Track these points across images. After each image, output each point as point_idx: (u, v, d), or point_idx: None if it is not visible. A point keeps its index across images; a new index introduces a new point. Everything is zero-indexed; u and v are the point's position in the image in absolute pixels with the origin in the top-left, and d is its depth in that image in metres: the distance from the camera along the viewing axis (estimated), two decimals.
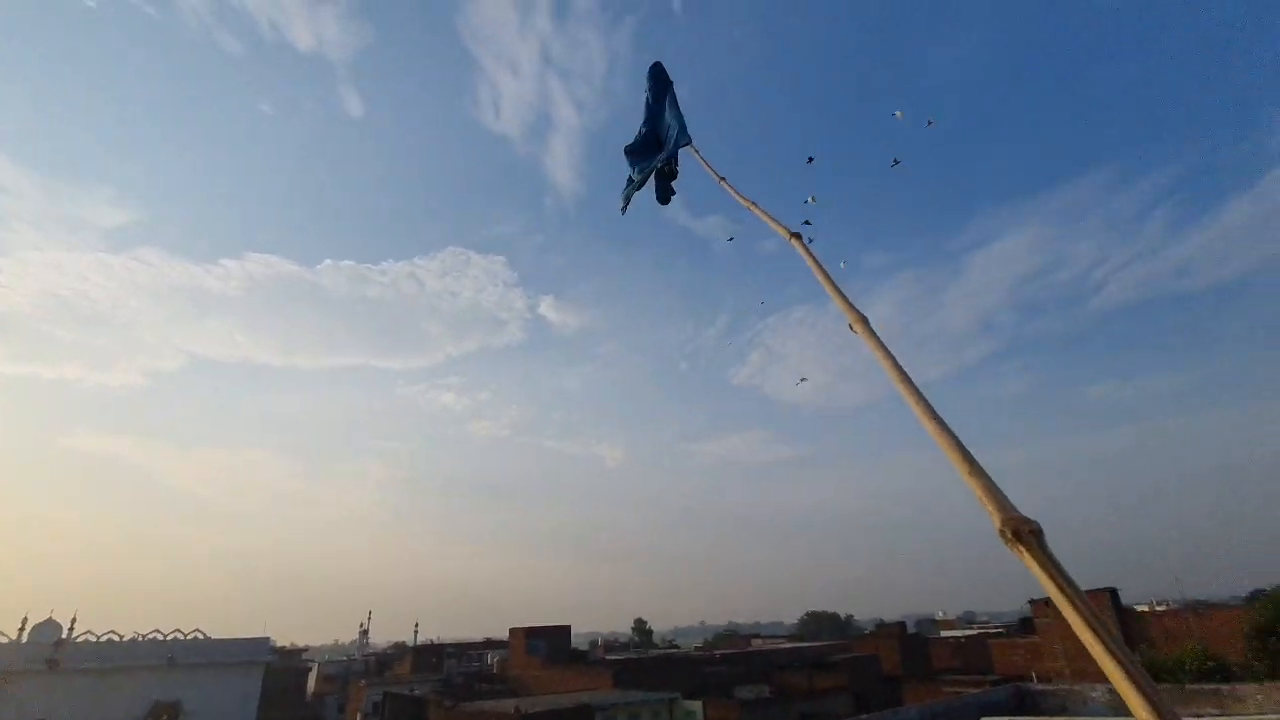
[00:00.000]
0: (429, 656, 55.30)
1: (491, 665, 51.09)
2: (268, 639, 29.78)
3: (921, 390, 1.71)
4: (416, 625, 79.99)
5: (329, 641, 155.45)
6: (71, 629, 26.43)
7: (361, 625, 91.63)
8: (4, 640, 25.16)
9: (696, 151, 5.10)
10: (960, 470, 1.40)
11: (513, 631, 45.81)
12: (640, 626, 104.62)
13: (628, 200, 5.92)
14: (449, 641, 75.23)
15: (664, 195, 5.90)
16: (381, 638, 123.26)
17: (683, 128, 5.45)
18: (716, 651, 59.67)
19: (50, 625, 26.39)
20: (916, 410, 1.63)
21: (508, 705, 27.96)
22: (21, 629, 26.05)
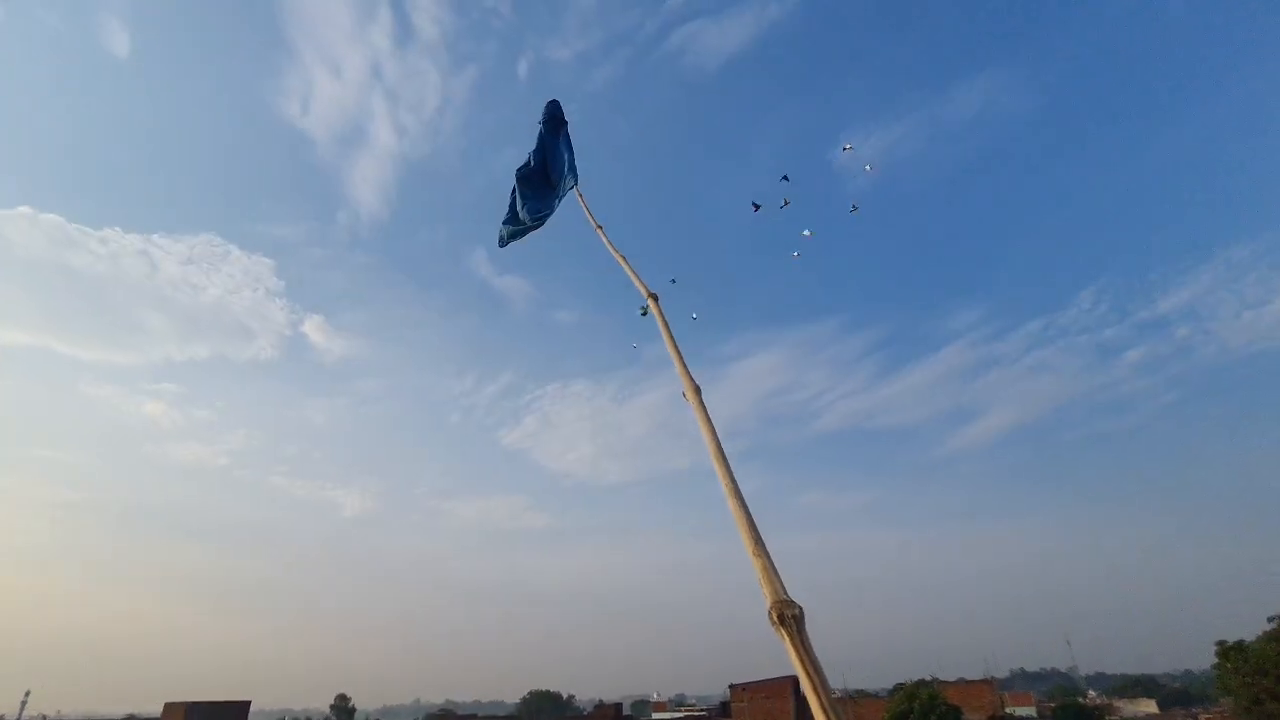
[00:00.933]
0: None
1: None
2: None
3: (731, 469, 1.85)
4: (28, 694, 63.90)
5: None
6: None
7: (22, 700, 69.99)
8: None
9: (580, 195, 5.22)
10: (747, 547, 1.55)
11: (169, 707, 36.44)
12: (342, 704, 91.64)
13: (511, 238, 5.98)
14: (75, 718, 59.48)
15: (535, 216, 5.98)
16: (37, 708, 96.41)
17: (572, 168, 5.56)
18: None
19: None
20: (724, 484, 1.78)
21: None
22: None
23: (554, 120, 6.05)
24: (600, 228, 4.78)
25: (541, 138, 6.04)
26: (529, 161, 6.07)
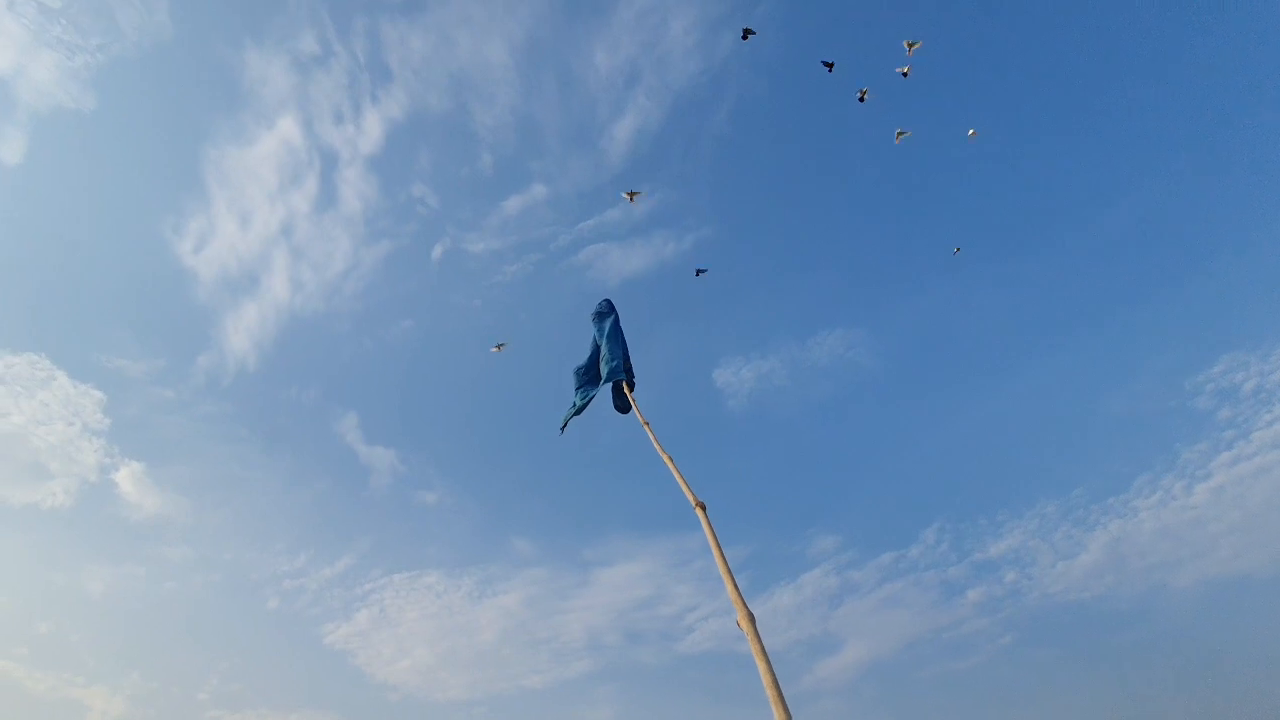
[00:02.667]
0: None
1: None
2: None
3: (788, 708, 2.17)
4: None
5: None
6: None
7: None
8: None
9: (629, 390, 5.59)
10: None
11: None
12: None
13: (565, 422, 6.27)
14: None
15: (621, 406, 6.32)
16: None
17: (619, 364, 5.94)
18: None
19: None
20: (775, 705, 2.07)
21: None
22: None
23: (602, 316, 6.49)
24: (648, 424, 4.96)
25: (600, 336, 6.42)
26: (587, 360, 6.48)
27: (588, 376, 6.37)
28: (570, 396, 6.47)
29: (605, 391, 6.13)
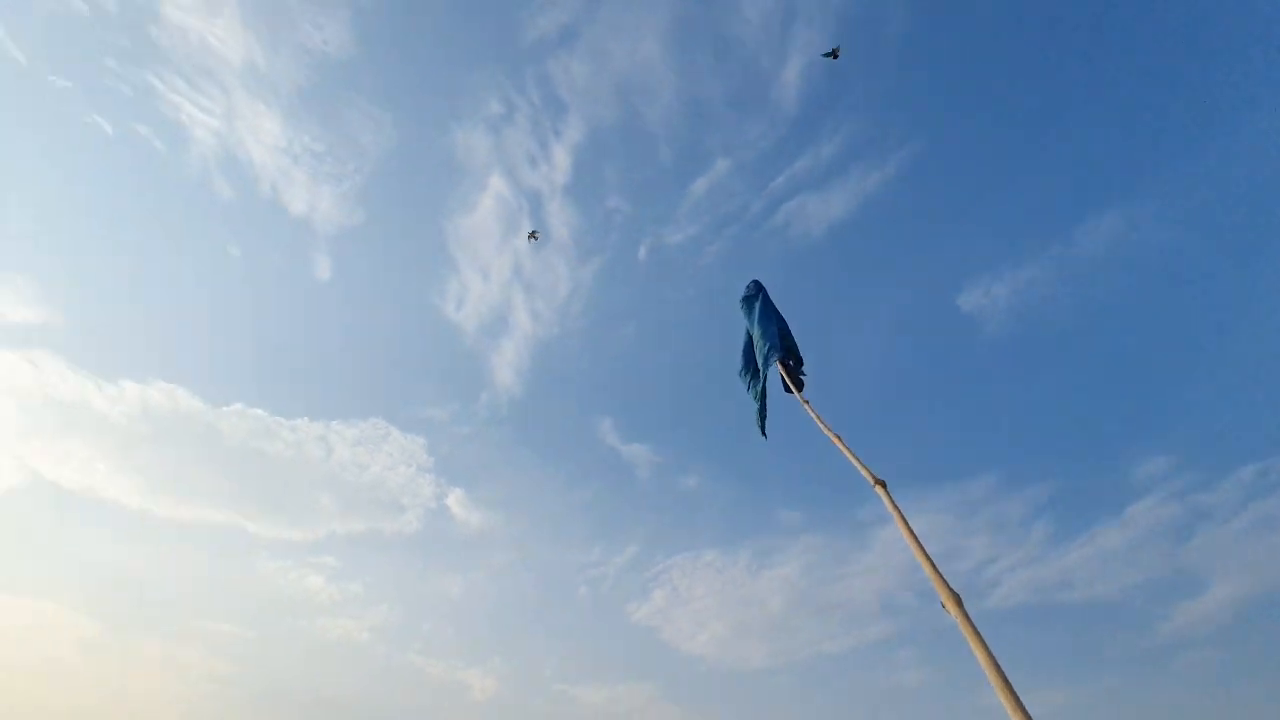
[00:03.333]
0: None
1: None
2: None
3: (1015, 689, 1.92)
4: None
5: None
6: None
7: None
8: None
9: (782, 369, 5.20)
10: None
11: None
12: None
13: (761, 425, 5.86)
14: None
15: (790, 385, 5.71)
16: None
17: (775, 342, 5.48)
18: None
19: None
20: (1007, 705, 1.83)
21: None
22: None
23: (750, 300, 6.03)
24: (807, 402, 4.62)
25: (746, 325, 6.04)
26: (743, 356, 6.13)
27: (751, 371, 6.01)
28: (750, 402, 6.04)
29: (774, 377, 5.66)
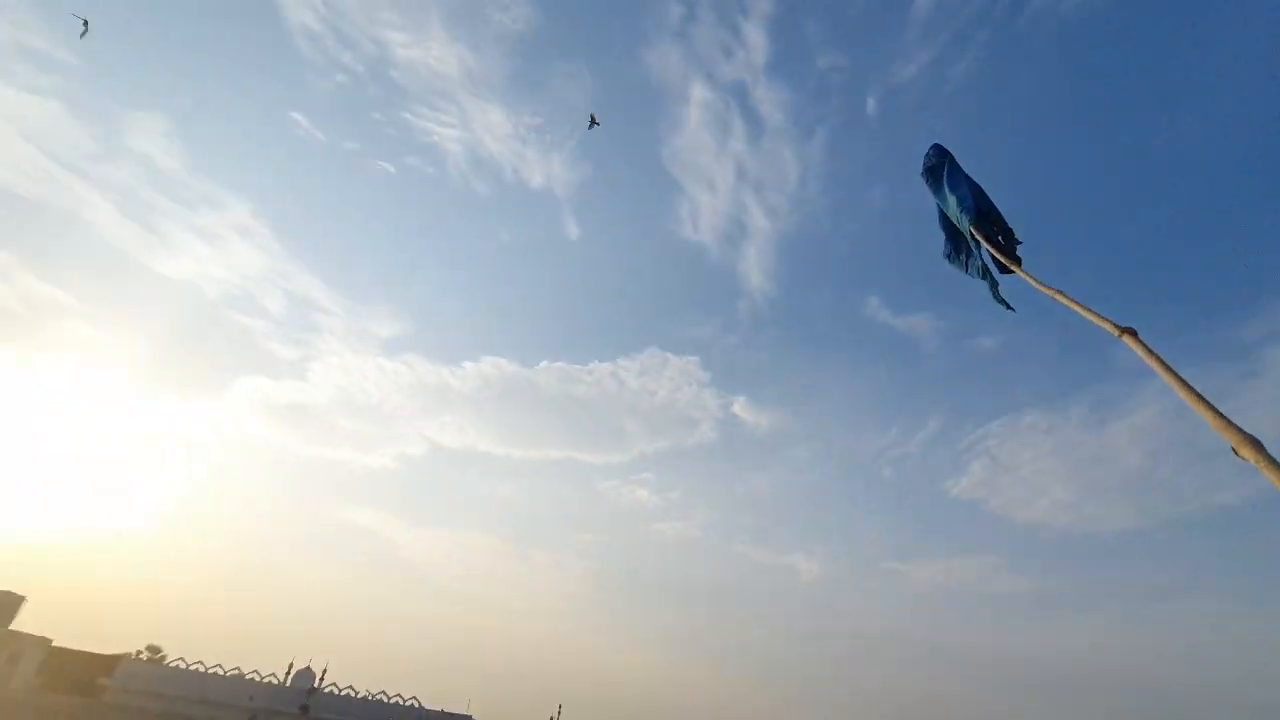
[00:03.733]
0: None
1: None
2: (470, 717, 31.94)
3: None
4: None
5: None
6: (321, 679, 30.46)
7: (552, 717, 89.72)
8: (271, 682, 29.47)
9: (982, 234, 4.73)
10: None
11: None
12: None
13: (996, 293, 5.05)
14: None
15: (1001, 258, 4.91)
16: None
17: (970, 206, 4.90)
18: None
19: (306, 673, 30.45)
20: None
21: None
22: (287, 672, 30.31)
23: (935, 170, 5.34)
24: (1018, 263, 4.39)
25: (937, 202, 5.42)
26: (945, 236, 5.50)
27: (959, 249, 5.31)
28: (976, 285, 5.27)
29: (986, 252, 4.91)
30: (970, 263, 5.19)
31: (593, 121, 36.42)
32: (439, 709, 31.34)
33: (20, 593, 21.99)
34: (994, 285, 5.00)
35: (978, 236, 4.76)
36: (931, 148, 5.47)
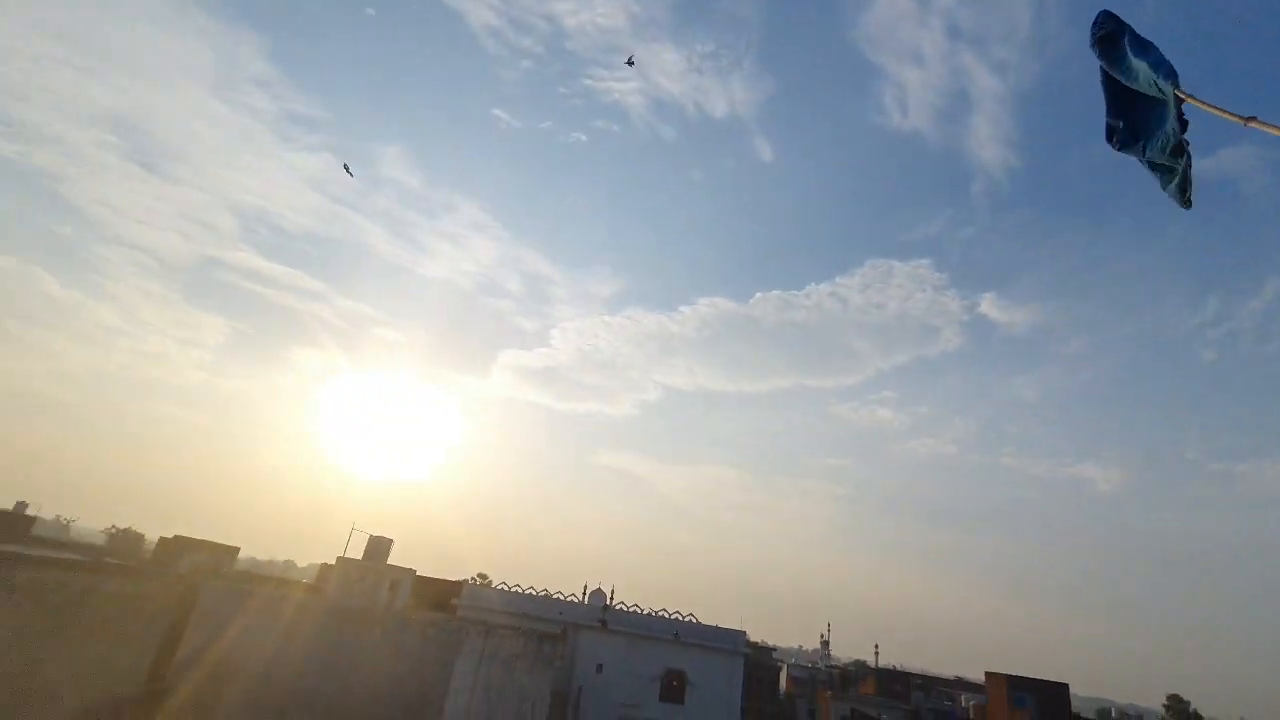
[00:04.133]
0: (893, 682, 53.21)
1: (967, 709, 44.69)
2: (744, 633, 33.88)
3: None
4: (877, 647, 79.12)
5: (791, 645, 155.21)
6: (611, 598, 34.85)
7: (822, 636, 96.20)
8: (572, 600, 34.53)
9: (1189, 97, 4.03)
10: None
11: (991, 676, 40.58)
12: (1176, 705, 72.40)
13: (1185, 190, 4.46)
14: (911, 671, 72.46)
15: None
16: (840, 652, 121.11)
17: (1169, 70, 4.22)
18: None
19: (599, 593, 35.12)
20: None
21: None
22: (583, 593, 35.40)
23: (1109, 39, 4.62)
24: (1251, 119, 3.78)
25: (1117, 74, 4.68)
26: (1112, 115, 4.79)
27: (1137, 130, 4.65)
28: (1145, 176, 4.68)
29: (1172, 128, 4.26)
30: (1151, 146, 4.50)
31: (629, 61, 35.41)
32: (713, 624, 33.82)
33: (389, 536, 28.02)
34: (1186, 169, 4.38)
35: (1189, 99, 4.08)
36: (1101, 14, 4.84)
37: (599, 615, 33.33)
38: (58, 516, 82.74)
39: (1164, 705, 74.07)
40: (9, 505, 47.14)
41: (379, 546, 28.37)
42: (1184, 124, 4.19)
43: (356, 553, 27.42)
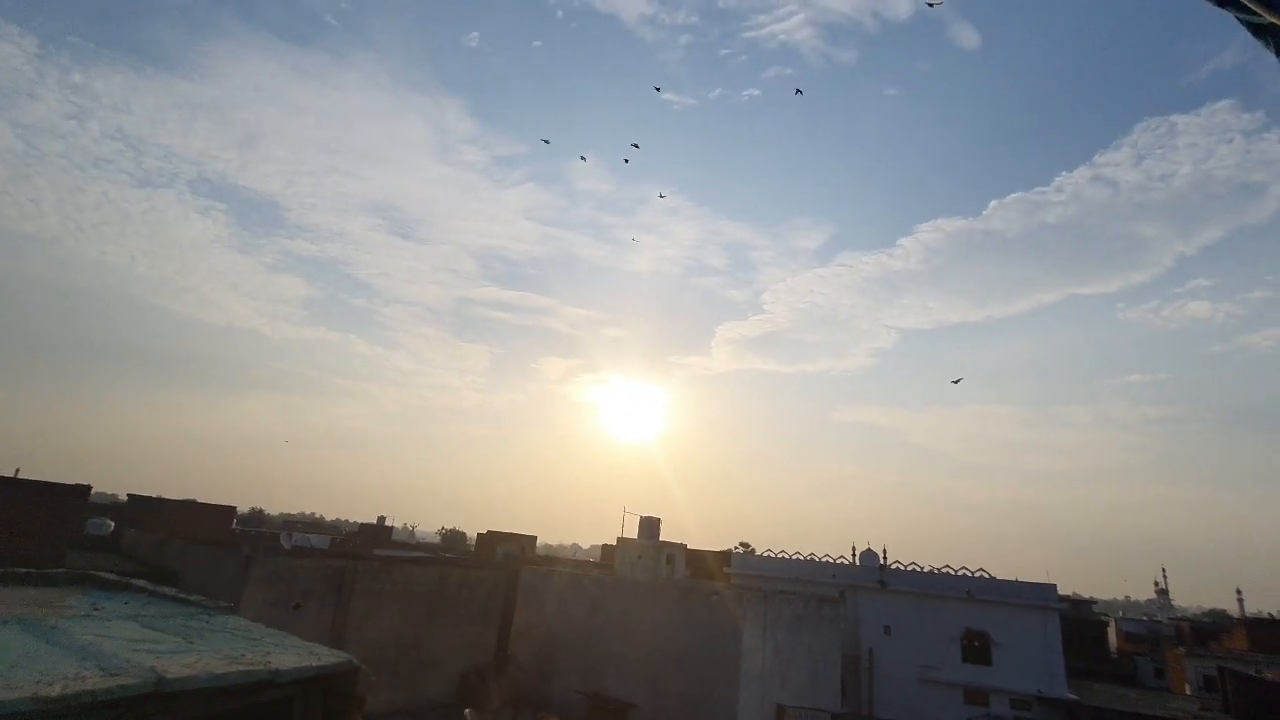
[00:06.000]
0: (1272, 633, 43.79)
1: None
2: (1054, 586, 29.76)
3: None
4: (1239, 592, 69.82)
5: (1114, 597, 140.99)
6: (884, 558, 33.20)
7: (1157, 584, 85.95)
8: (846, 562, 33.59)
9: None
10: None
11: None
12: None
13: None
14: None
15: None
16: (1183, 600, 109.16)
17: None
18: None
19: (870, 554, 33.72)
20: None
21: None
22: (853, 554, 34.27)
23: None
24: None
25: None
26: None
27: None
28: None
29: None
30: None
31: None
32: (1016, 580, 30.08)
33: (659, 516, 30.16)
34: None
35: None
36: None
37: (876, 576, 31.86)
38: (404, 524, 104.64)
39: None
40: (374, 520, 62.20)
41: (650, 525, 30.66)
42: None
43: (630, 532, 29.99)
